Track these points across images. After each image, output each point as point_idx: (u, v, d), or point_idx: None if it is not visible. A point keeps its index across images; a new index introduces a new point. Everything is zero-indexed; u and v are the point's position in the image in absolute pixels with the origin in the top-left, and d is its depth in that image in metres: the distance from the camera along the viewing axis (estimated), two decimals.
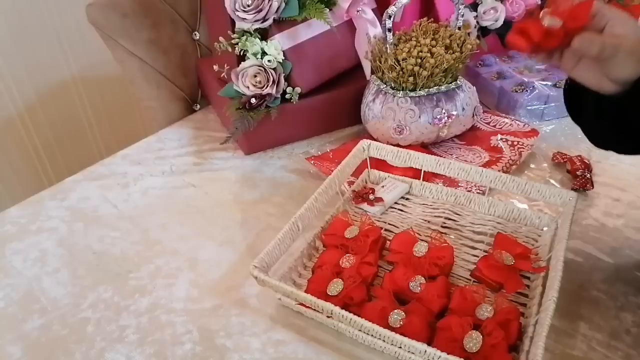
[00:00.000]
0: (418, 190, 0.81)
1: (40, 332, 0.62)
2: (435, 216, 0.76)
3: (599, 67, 0.55)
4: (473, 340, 0.53)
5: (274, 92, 0.86)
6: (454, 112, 0.86)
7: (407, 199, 0.80)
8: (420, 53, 0.82)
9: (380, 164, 0.82)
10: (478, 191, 0.79)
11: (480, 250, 0.70)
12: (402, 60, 0.83)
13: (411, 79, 0.83)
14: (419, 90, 0.84)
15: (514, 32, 0.58)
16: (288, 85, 0.89)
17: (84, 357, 0.59)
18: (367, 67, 0.94)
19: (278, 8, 0.83)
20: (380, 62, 0.86)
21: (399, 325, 0.55)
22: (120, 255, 0.72)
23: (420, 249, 0.65)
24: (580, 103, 0.63)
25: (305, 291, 0.60)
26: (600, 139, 0.66)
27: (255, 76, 0.85)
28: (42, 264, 0.71)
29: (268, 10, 0.82)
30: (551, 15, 0.55)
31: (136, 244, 0.74)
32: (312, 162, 0.88)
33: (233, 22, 0.85)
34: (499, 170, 0.79)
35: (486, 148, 0.88)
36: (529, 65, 1.07)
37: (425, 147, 0.90)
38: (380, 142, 0.82)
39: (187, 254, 0.72)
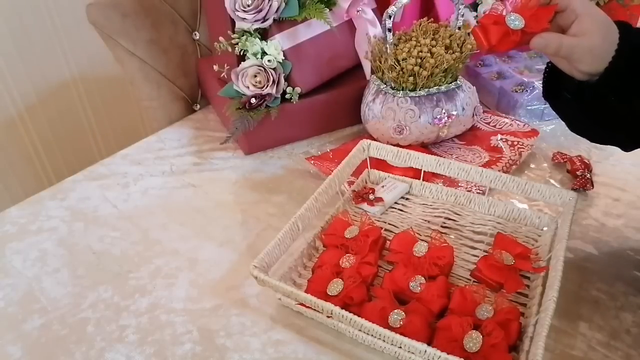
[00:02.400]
0: (418, 190, 0.81)
1: (40, 332, 0.62)
2: (435, 216, 0.76)
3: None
4: (473, 340, 0.53)
5: (274, 92, 0.86)
6: (454, 112, 0.86)
7: (407, 199, 0.80)
8: (420, 53, 0.82)
9: (380, 164, 0.82)
10: (478, 191, 0.79)
11: (480, 250, 0.70)
12: (402, 60, 0.83)
13: (411, 79, 0.83)
14: (419, 90, 0.84)
15: (479, 27, 0.59)
16: (288, 85, 0.89)
17: (84, 357, 0.59)
18: (367, 67, 0.94)
19: (278, 8, 0.83)
20: (380, 62, 0.86)
21: (399, 325, 0.55)
22: (120, 255, 0.72)
23: (420, 249, 0.65)
24: (560, 84, 0.63)
25: (305, 291, 0.60)
26: (577, 125, 0.67)
27: (255, 76, 0.85)
28: (42, 264, 0.71)
29: (268, 10, 0.82)
30: (515, 16, 0.57)
31: (136, 244, 0.74)
32: (312, 162, 0.88)
33: (233, 22, 0.85)
34: (499, 170, 0.79)
35: (486, 148, 0.88)
36: (529, 65, 1.07)
37: (425, 147, 0.90)
38: (380, 142, 0.82)
39: (187, 254, 0.72)
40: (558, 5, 0.56)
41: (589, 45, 0.54)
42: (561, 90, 0.63)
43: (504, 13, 0.58)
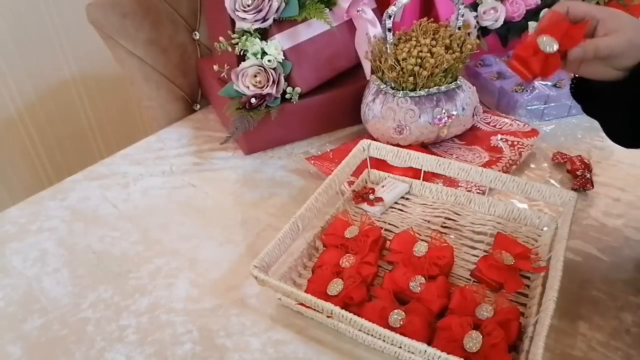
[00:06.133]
0: (418, 190, 0.81)
1: (40, 332, 0.62)
2: (435, 216, 0.76)
3: (600, 61, 0.57)
4: (473, 340, 0.53)
5: (274, 92, 0.86)
6: (454, 112, 0.86)
7: (407, 199, 0.80)
8: (420, 53, 0.82)
9: (380, 164, 0.82)
10: (478, 191, 0.79)
11: (480, 250, 0.70)
12: (402, 60, 0.83)
13: (411, 79, 0.83)
14: (419, 90, 0.84)
15: (516, 61, 0.61)
16: (288, 85, 0.89)
17: (84, 357, 0.59)
18: (367, 67, 0.94)
19: (278, 8, 0.83)
20: (380, 62, 0.86)
21: (399, 325, 0.55)
22: (120, 255, 0.72)
23: (420, 249, 0.65)
24: (592, 98, 0.65)
25: (305, 291, 0.60)
26: (620, 133, 0.67)
27: (255, 76, 0.85)
28: (42, 264, 0.71)
29: (268, 10, 0.82)
30: (548, 39, 0.58)
31: (136, 244, 0.74)
32: (312, 162, 0.88)
33: (233, 22, 0.85)
34: (499, 170, 0.79)
35: (486, 148, 0.88)
36: None
37: (425, 147, 0.90)
38: (380, 142, 0.82)
39: (187, 254, 0.72)
40: (585, 21, 0.57)
41: (627, 38, 0.55)
42: (594, 100, 0.64)
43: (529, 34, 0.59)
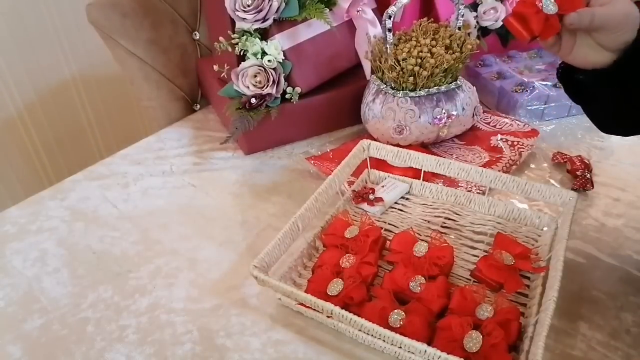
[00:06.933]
0: (418, 190, 0.81)
1: (40, 332, 0.62)
2: (435, 216, 0.76)
3: (593, 38, 0.57)
4: (473, 340, 0.53)
5: (274, 92, 0.86)
6: (454, 112, 0.86)
7: (407, 199, 0.80)
8: (420, 53, 0.82)
9: (380, 164, 0.82)
10: (478, 191, 0.79)
11: (480, 250, 0.70)
12: (402, 60, 0.83)
13: (411, 79, 0.83)
14: (419, 90, 0.84)
15: (514, 18, 0.59)
16: (288, 85, 0.89)
17: (84, 357, 0.59)
18: (367, 67, 0.94)
19: (278, 8, 0.83)
20: (380, 62, 0.86)
21: (399, 325, 0.55)
22: (120, 255, 0.72)
23: (420, 249, 0.65)
24: (578, 86, 0.64)
25: (305, 291, 0.60)
26: (605, 121, 0.66)
27: (255, 76, 0.85)
28: (42, 264, 0.71)
29: (268, 10, 0.82)
30: (549, 0, 0.56)
31: (136, 244, 0.74)
32: (312, 162, 0.88)
33: (233, 22, 0.85)
34: (499, 170, 0.79)
35: (486, 148, 0.88)
36: (529, 65, 1.07)
37: (425, 147, 0.90)
38: (380, 142, 0.82)
39: (187, 254, 0.72)
40: None
41: (623, 11, 0.54)
42: (581, 89, 0.63)
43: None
